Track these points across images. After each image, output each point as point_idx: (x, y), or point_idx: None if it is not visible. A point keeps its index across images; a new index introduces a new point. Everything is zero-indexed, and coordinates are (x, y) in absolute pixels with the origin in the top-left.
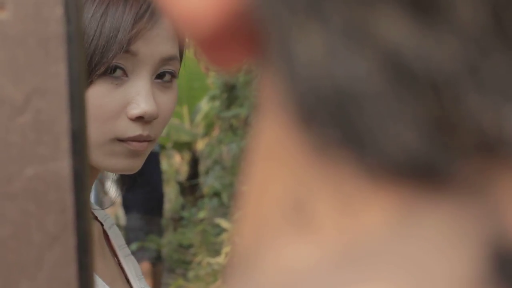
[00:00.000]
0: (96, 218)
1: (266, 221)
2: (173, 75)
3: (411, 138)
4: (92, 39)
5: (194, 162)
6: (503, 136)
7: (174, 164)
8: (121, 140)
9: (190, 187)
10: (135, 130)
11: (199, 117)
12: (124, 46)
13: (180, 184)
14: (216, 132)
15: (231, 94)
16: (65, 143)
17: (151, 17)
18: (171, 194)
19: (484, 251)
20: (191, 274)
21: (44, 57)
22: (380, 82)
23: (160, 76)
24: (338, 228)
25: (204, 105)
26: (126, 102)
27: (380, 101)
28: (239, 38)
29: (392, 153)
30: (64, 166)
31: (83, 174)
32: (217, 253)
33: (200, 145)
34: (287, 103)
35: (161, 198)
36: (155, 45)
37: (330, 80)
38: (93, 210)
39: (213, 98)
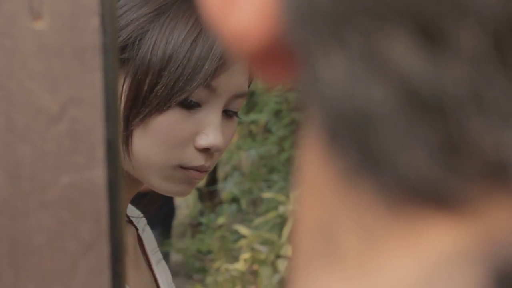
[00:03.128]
0: (131, 222)
1: (303, 250)
2: (237, 114)
3: (421, 160)
4: (179, 64)
5: (213, 168)
6: (503, 160)
7: None
8: (183, 168)
9: (209, 193)
10: (199, 160)
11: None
12: (209, 78)
13: (199, 190)
14: (235, 138)
15: (250, 100)
16: (100, 152)
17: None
18: (189, 200)
19: (488, 272)
20: (209, 280)
21: (80, 67)
22: (394, 105)
23: (226, 110)
24: (360, 258)
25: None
26: (196, 131)
27: (393, 123)
28: (283, 55)
29: (404, 173)
30: (99, 175)
31: (117, 183)
32: (235, 259)
33: None
34: (319, 126)
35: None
36: (233, 79)
37: (350, 101)
38: (127, 213)
39: None
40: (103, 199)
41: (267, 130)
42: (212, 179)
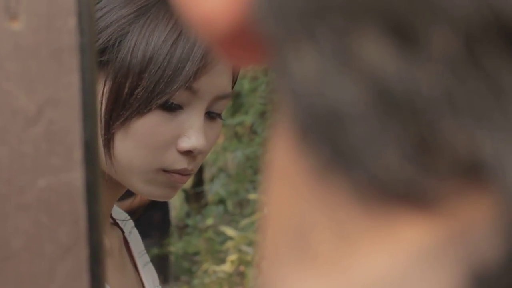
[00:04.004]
0: (116, 224)
1: (276, 248)
2: (220, 115)
3: (393, 159)
4: (160, 67)
5: (199, 170)
6: (475, 159)
7: None
8: (165, 171)
9: (195, 194)
10: (182, 163)
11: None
12: (190, 80)
13: (185, 191)
14: (221, 140)
15: (236, 102)
16: (77, 154)
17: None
18: (176, 202)
19: (462, 271)
20: (196, 282)
21: (57, 68)
22: (365, 105)
23: (209, 112)
24: (335, 258)
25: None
26: (178, 134)
27: (364, 123)
28: (253, 40)
29: (375, 172)
30: (76, 177)
31: (96, 185)
32: (222, 260)
33: None
34: (290, 120)
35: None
36: (215, 81)
37: (321, 99)
38: (113, 215)
39: None
40: (81, 201)
41: (253, 132)
42: (198, 181)
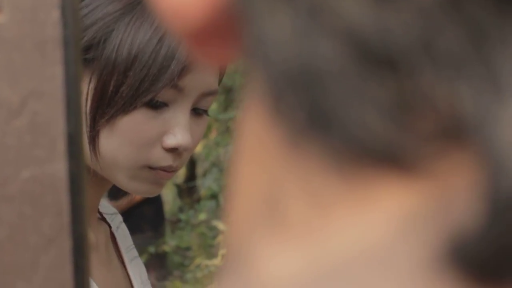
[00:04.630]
0: (104, 219)
1: (247, 222)
2: (207, 112)
3: (374, 118)
4: (145, 65)
5: (191, 164)
6: (455, 113)
7: None
8: (150, 168)
9: (188, 189)
10: (167, 160)
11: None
12: (175, 79)
13: (178, 186)
14: (213, 135)
15: (228, 96)
16: (61, 146)
17: None
18: (168, 197)
19: (442, 237)
20: (188, 276)
21: (40, 60)
22: (344, 61)
23: (195, 109)
24: (309, 227)
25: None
26: (163, 131)
27: (344, 80)
28: (226, 32)
29: (355, 133)
30: (60, 168)
31: (79, 177)
32: (214, 255)
33: (198, 147)
34: (263, 91)
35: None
36: (201, 79)
37: (297, 60)
38: (102, 210)
39: None
40: (64, 193)
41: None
42: (191, 176)
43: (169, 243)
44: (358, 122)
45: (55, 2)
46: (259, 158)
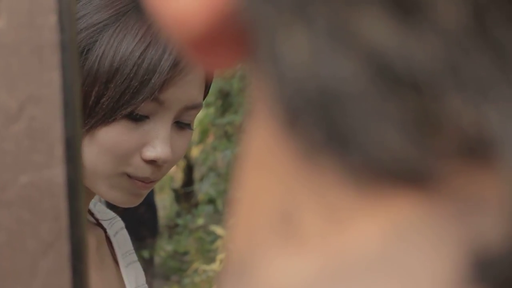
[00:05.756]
0: (99, 224)
1: (256, 232)
2: (190, 126)
3: (394, 139)
4: (126, 77)
5: (189, 169)
6: (482, 136)
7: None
8: (129, 176)
9: (185, 194)
10: (145, 171)
11: (193, 124)
12: (156, 92)
13: (175, 191)
14: (210, 139)
15: (225, 101)
16: (59, 151)
17: (187, 64)
18: (166, 201)
19: (465, 253)
20: (186, 281)
21: (38, 65)
22: (364, 82)
23: (178, 122)
24: (325, 239)
25: (199, 112)
26: (143, 142)
27: (364, 101)
28: (229, 39)
29: (374, 153)
30: (58, 173)
31: (77, 182)
32: (212, 260)
33: (195, 152)
34: (274, 106)
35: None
36: (183, 93)
37: (315, 81)
38: (98, 216)
39: (207, 105)
40: (62, 198)
41: (242, 131)
42: (188, 180)
43: (165, 248)
44: (378, 142)
45: (52, 6)
46: (269, 169)
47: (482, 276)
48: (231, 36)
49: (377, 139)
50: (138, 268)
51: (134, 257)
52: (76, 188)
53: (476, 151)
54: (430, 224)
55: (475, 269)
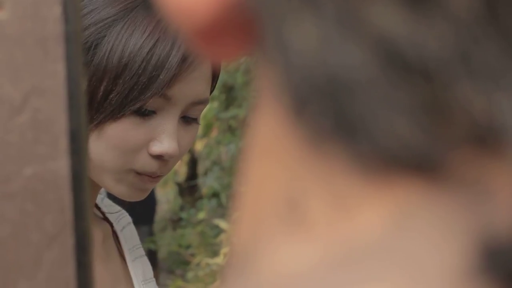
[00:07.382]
0: (106, 218)
1: (262, 220)
2: (197, 120)
3: (404, 127)
4: (134, 74)
5: (192, 163)
6: (493, 124)
7: None
8: (136, 172)
9: (189, 188)
10: (152, 167)
11: (200, 118)
12: (164, 88)
13: (179, 185)
14: (214, 133)
15: (229, 95)
16: (63, 143)
17: (194, 59)
18: (169, 195)
19: (474, 242)
20: (190, 274)
21: (42, 56)
22: (373, 69)
23: (185, 117)
24: (332, 226)
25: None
26: (150, 137)
27: (373, 88)
28: (235, 29)
29: (383, 141)
30: (62, 165)
31: (82, 174)
32: (215, 253)
33: (199, 146)
34: (282, 95)
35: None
36: (190, 88)
37: (324, 68)
38: (104, 210)
39: (211, 99)
40: (67, 190)
41: (246, 125)
42: (192, 174)
43: (169, 242)
44: (387, 130)
45: None
46: (276, 157)
47: (490, 265)
48: (238, 25)
49: (386, 126)
50: (145, 262)
51: (142, 251)
52: (81, 180)
53: (486, 139)
54: (438, 213)
55: (484, 258)
